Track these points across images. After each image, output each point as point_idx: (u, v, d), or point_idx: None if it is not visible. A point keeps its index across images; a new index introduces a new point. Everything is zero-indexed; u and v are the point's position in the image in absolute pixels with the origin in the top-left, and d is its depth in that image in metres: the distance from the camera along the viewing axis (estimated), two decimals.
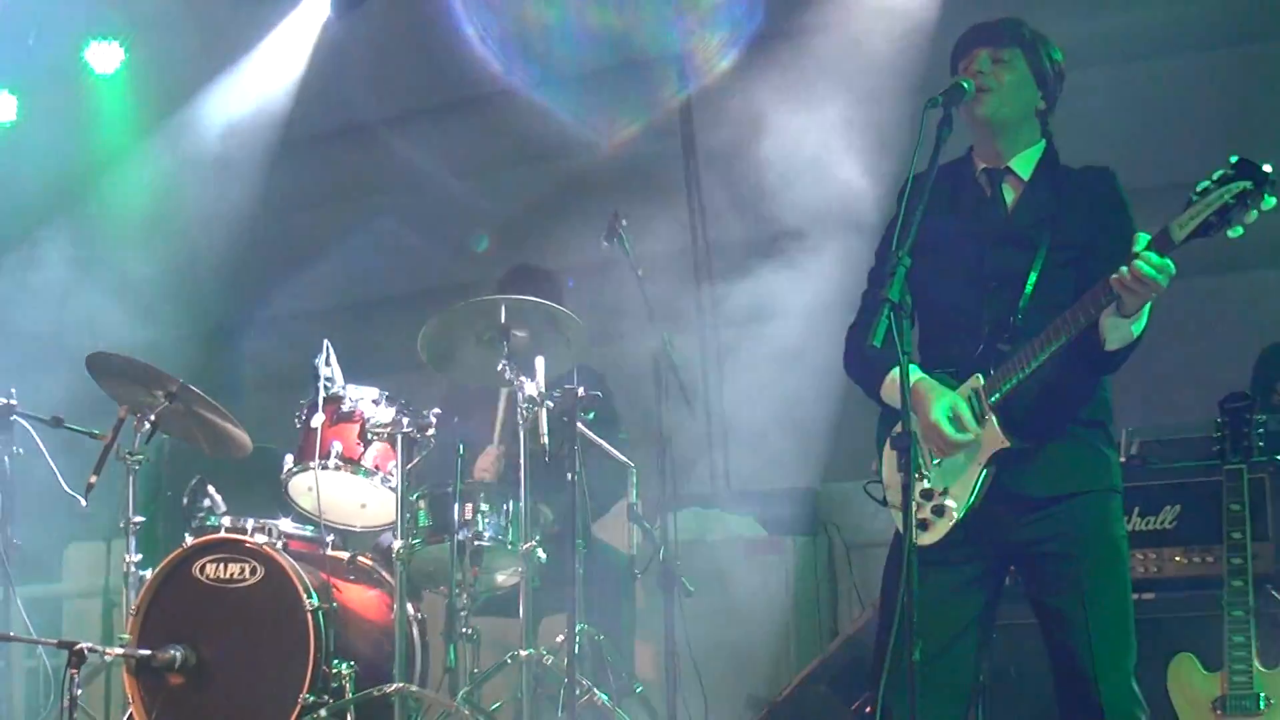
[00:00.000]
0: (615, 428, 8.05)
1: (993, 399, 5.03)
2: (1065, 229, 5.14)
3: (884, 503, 5.28)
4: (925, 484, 5.14)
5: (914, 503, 4.68)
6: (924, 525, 5.13)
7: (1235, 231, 4.69)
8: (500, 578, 7.56)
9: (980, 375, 5.09)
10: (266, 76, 11.03)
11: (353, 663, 7.18)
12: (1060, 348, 4.92)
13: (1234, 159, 4.68)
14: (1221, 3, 8.70)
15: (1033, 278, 5.10)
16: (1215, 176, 4.68)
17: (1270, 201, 4.64)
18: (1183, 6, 8.75)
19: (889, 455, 5.29)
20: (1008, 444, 5.03)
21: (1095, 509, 5.12)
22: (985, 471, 5.07)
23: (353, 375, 7.68)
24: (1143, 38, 8.74)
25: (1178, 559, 6.84)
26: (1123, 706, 5.01)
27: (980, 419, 5.06)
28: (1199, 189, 4.71)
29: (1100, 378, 5.13)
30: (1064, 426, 5.11)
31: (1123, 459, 7.05)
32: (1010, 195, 5.28)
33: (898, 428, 4.96)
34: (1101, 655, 4.98)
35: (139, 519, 7.66)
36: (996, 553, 5.17)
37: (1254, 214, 4.65)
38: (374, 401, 7.52)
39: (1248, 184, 4.63)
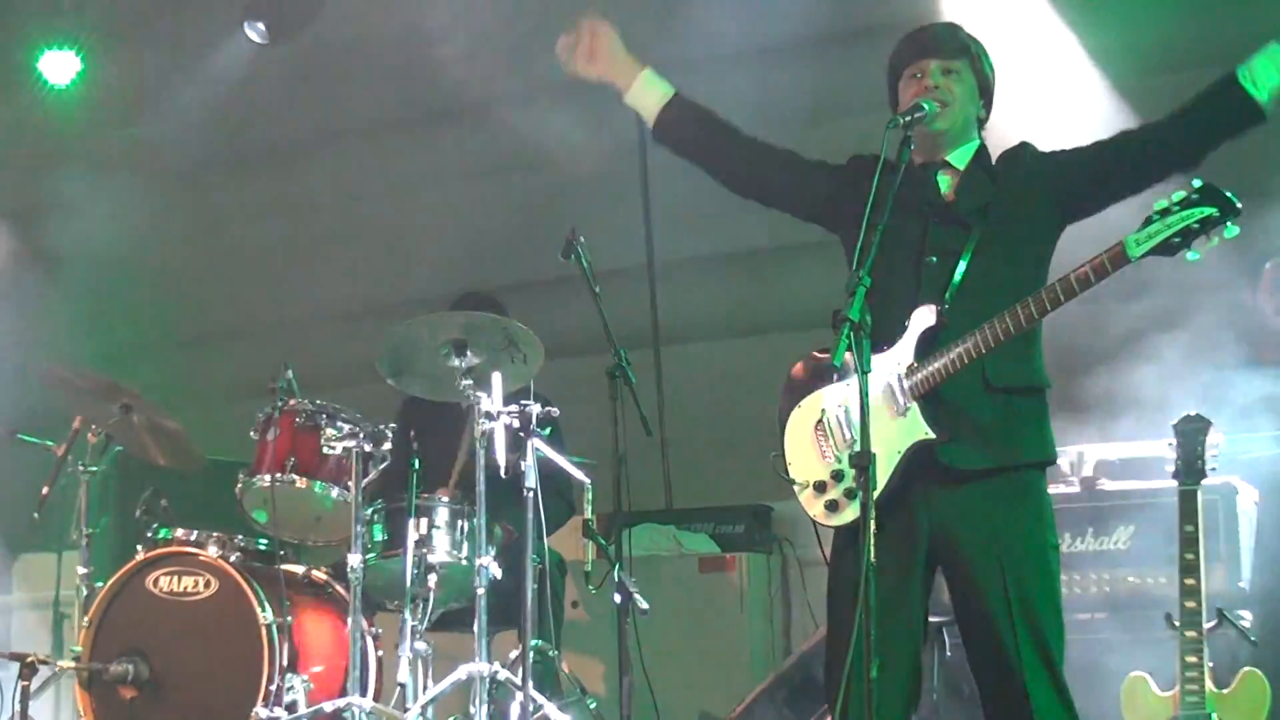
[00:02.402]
0: (564, 448, 8.03)
1: (913, 383, 5.05)
2: (1000, 211, 5.18)
3: (787, 478, 5.29)
4: (837, 465, 5.15)
5: (871, 523, 4.64)
6: (834, 506, 5.15)
7: (1193, 255, 4.73)
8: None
9: (900, 361, 5.10)
10: (222, 87, 10.96)
11: (306, 677, 7.17)
12: (990, 351, 4.95)
13: (1198, 183, 4.72)
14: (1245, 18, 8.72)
15: (963, 264, 5.12)
16: (1176, 199, 4.72)
17: (1233, 230, 4.69)
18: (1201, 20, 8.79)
19: (791, 430, 5.33)
20: (931, 436, 5.03)
21: (1025, 496, 5.12)
22: (903, 458, 5.05)
23: (310, 389, 7.66)
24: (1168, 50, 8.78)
25: (1131, 579, 6.89)
26: (1055, 713, 5.00)
27: (902, 407, 5.07)
28: (1158, 208, 4.75)
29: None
30: (1001, 459, 5.12)
31: (1077, 479, 7.10)
32: (945, 183, 5.33)
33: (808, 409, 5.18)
34: (1030, 661, 4.97)
35: (91, 531, 7.64)
36: (927, 552, 5.15)
37: (1215, 241, 4.70)
38: (330, 415, 7.50)
39: (1213, 210, 4.67)
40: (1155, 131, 5.10)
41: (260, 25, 10.28)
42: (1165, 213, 4.73)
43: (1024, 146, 5.37)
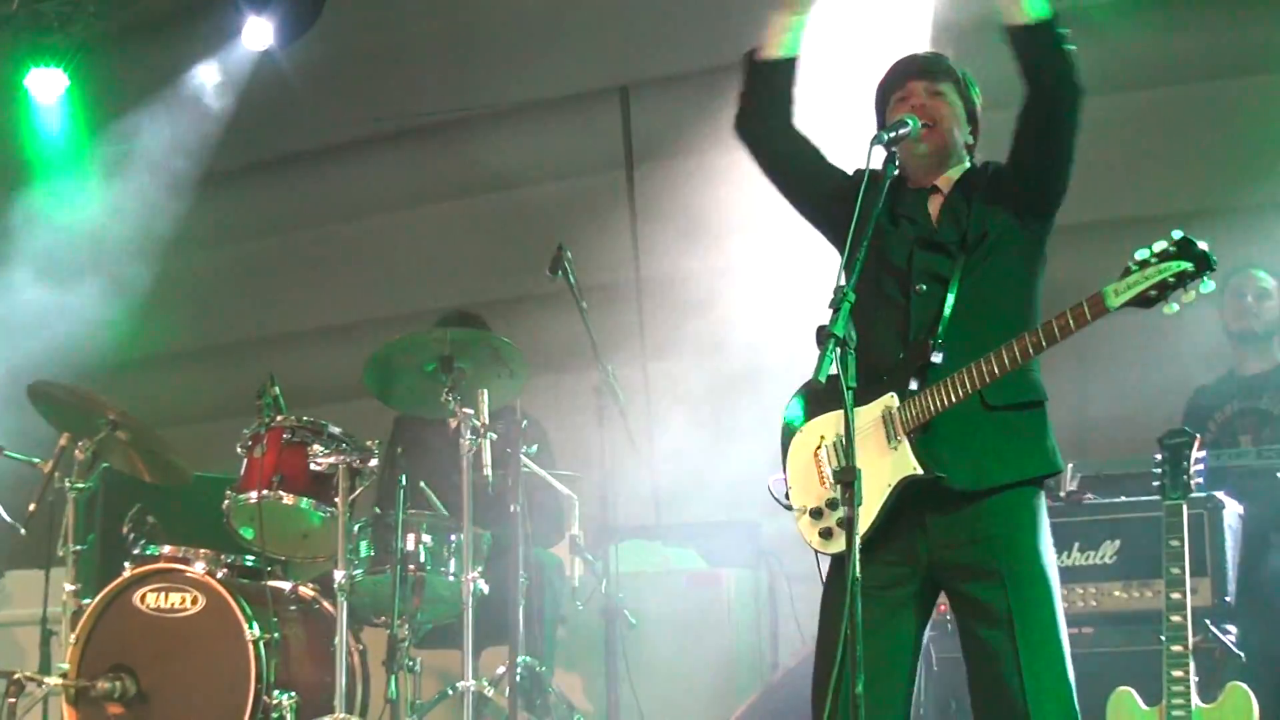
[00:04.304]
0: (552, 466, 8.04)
1: (905, 418, 5.04)
2: (978, 236, 5.16)
3: (786, 504, 5.28)
4: (832, 493, 5.11)
5: (857, 536, 4.63)
6: (829, 534, 5.10)
7: (1170, 309, 4.73)
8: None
9: (895, 395, 5.08)
10: (208, 103, 10.96)
11: (294, 693, 7.16)
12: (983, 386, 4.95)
13: (1177, 234, 4.72)
14: (1209, 37, 8.79)
15: (951, 297, 5.11)
16: (1156, 250, 4.73)
17: (1208, 285, 4.69)
18: (1166, 39, 8.85)
19: (792, 455, 5.32)
20: (919, 473, 5.01)
21: (1023, 513, 5.08)
22: (892, 492, 5.03)
23: (298, 404, 7.67)
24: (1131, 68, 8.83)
25: (1117, 594, 6.90)
26: None
27: (893, 440, 5.08)
28: (1138, 259, 4.75)
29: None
30: (1003, 476, 5.12)
31: (1063, 494, 7.12)
32: (932, 209, 5.32)
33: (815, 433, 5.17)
34: (1032, 682, 4.91)
35: (79, 547, 7.64)
36: (925, 576, 5.13)
37: (1192, 295, 4.71)
38: (317, 431, 7.50)
39: (1188, 265, 4.69)
40: (1023, 100, 5.12)
41: (268, 25, 10.28)
42: (1144, 265, 4.73)
43: (987, 165, 5.37)
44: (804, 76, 5.55)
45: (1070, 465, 7.22)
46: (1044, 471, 5.13)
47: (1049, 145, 5.15)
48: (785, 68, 5.53)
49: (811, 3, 5.52)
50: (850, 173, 5.45)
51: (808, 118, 5.58)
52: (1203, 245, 4.70)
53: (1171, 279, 4.70)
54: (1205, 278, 4.69)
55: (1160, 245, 4.73)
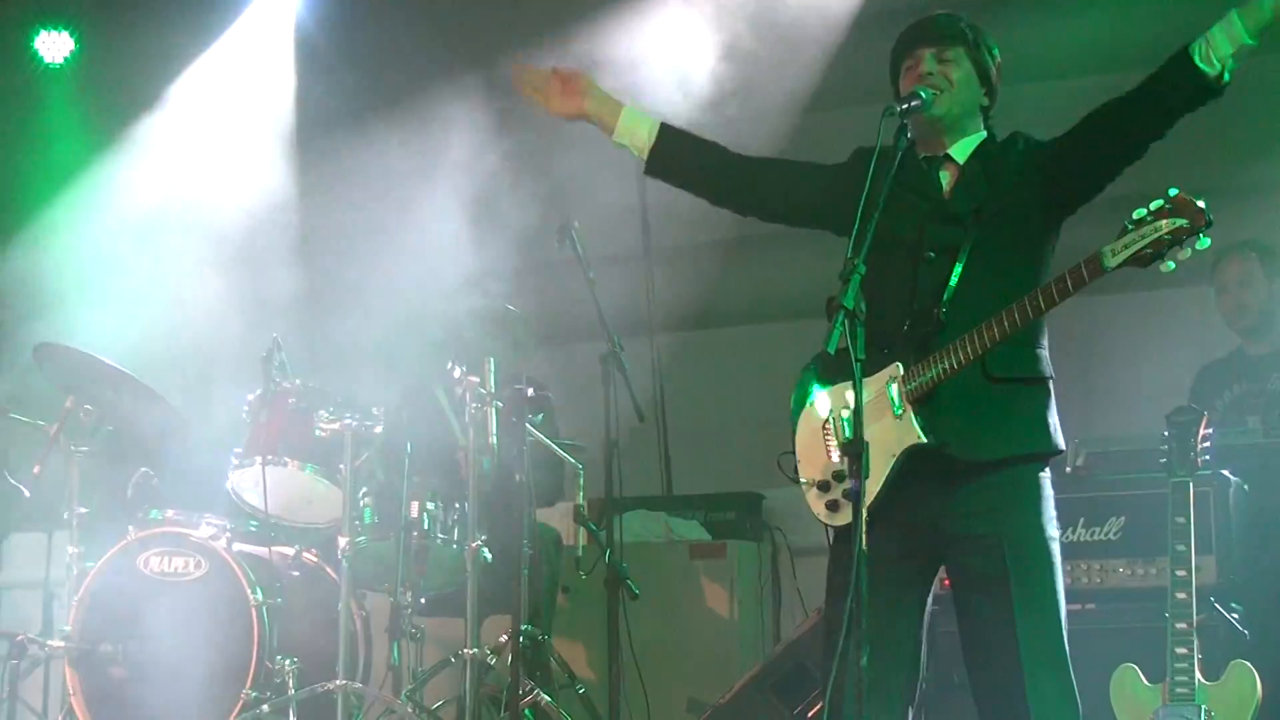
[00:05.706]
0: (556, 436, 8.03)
1: (910, 387, 5.02)
2: (994, 210, 5.14)
3: (794, 476, 5.29)
4: (839, 465, 5.12)
5: (864, 510, 4.63)
6: (835, 506, 5.13)
7: (1168, 266, 4.70)
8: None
9: (900, 365, 5.06)
10: (236, 69, 10.91)
11: (296, 659, 7.17)
12: (987, 350, 4.93)
13: (1173, 192, 4.70)
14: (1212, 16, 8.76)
15: (959, 267, 5.09)
16: (1152, 208, 4.69)
17: (1205, 242, 4.66)
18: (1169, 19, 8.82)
19: (800, 427, 5.32)
20: (923, 441, 5.00)
21: (1026, 489, 5.09)
22: (896, 463, 5.03)
23: (303, 369, 7.65)
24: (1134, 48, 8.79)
25: (1121, 570, 6.89)
26: (1058, 708, 4.95)
27: (897, 409, 5.06)
28: (1134, 218, 4.73)
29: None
30: (1002, 450, 5.11)
31: (1068, 469, 7.10)
32: (946, 179, 5.28)
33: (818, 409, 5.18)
34: (1029, 658, 4.93)
35: (82, 510, 7.64)
36: (929, 548, 5.13)
37: (1188, 252, 4.68)
38: (322, 397, 7.48)
39: (1183, 221, 4.66)
40: (1119, 108, 5.07)
41: None
42: (1140, 224, 4.70)
43: (1016, 137, 5.33)
44: (681, 139, 5.58)
45: (1076, 441, 7.21)
46: (1041, 449, 5.12)
47: (1114, 152, 5.13)
48: (667, 148, 5.56)
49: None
50: (834, 163, 5.44)
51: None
52: (1198, 202, 4.68)
53: (1167, 236, 4.67)
54: (1201, 234, 4.67)
55: (1156, 203, 4.70)
